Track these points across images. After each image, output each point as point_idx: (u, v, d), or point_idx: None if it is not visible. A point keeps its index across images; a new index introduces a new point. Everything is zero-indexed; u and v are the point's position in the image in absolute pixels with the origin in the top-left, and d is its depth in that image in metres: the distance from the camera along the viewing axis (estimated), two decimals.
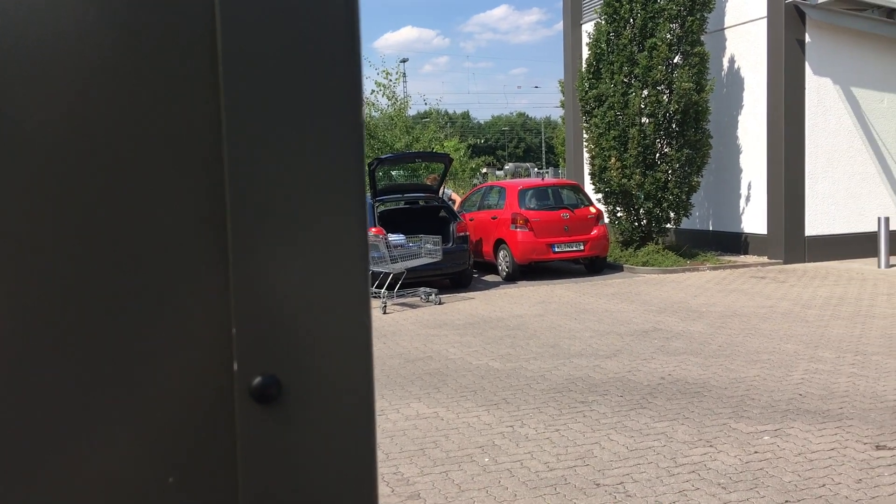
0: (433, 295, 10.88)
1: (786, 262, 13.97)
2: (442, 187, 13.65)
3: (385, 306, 10.45)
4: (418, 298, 11.03)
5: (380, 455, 4.92)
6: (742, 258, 14.51)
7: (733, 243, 15.15)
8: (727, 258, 14.48)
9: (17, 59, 0.90)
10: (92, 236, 0.94)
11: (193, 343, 0.98)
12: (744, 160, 15.01)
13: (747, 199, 14.97)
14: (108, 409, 0.95)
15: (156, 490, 0.97)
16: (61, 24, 0.92)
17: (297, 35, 0.98)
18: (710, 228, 15.80)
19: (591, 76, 14.87)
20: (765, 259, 14.26)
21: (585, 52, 15.74)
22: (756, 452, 4.75)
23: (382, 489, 4.39)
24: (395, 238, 11.29)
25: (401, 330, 9.12)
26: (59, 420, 0.93)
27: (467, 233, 12.10)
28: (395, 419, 5.66)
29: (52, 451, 0.93)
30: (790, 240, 14.04)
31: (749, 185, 14.91)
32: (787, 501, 4.04)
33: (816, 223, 14.27)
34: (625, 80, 14.23)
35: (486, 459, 4.79)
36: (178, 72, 0.95)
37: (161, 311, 0.97)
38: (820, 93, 14.17)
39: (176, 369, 0.97)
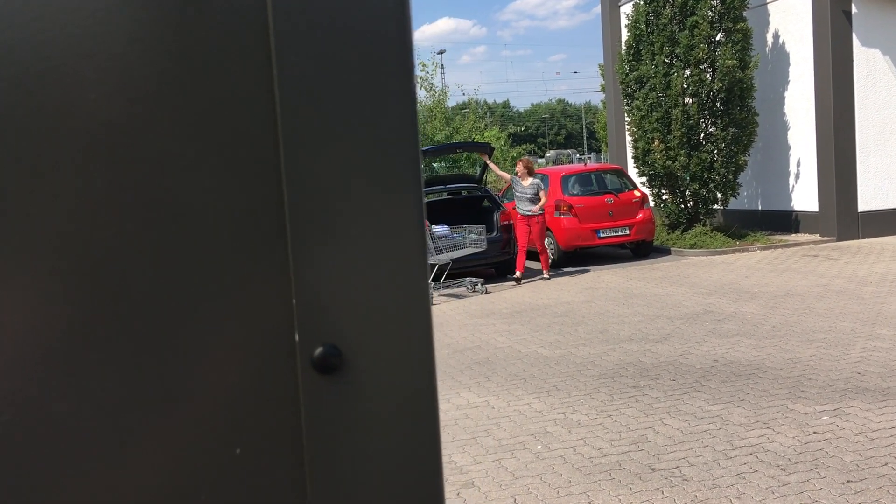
0: (479, 285, 10.87)
1: (839, 239, 13.65)
2: (484, 177, 13.55)
3: (432, 298, 10.47)
4: (464, 289, 11.03)
5: None
6: (793, 237, 14.21)
7: (784, 222, 14.85)
8: (778, 237, 14.20)
9: (82, 60, 0.93)
10: (164, 219, 0.98)
11: (256, 314, 0.99)
12: (792, 136, 14.68)
13: (797, 176, 14.65)
14: (174, 382, 0.97)
15: (223, 461, 0.99)
16: (119, 30, 0.94)
17: (351, 33, 1.00)
18: (759, 208, 15.51)
19: (630, 58, 14.68)
20: (817, 237, 13.95)
21: (625, 34, 15.54)
22: (815, 433, 4.66)
23: None
24: (438, 229, 11.30)
25: (448, 321, 9.13)
26: (129, 393, 0.95)
27: (511, 221, 12.05)
28: (446, 409, 5.67)
29: (122, 425, 0.95)
30: (842, 216, 13.71)
31: (798, 161, 14.58)
32: (848, 482, 3.96)
33: (869, 198, 13.91)
34: (666, 60, 14.01)
35: (539, 447, 4.77)
36: (234, 75, 0.98)
37: (223, 285, 0.98)
38: (868, 64, 13.78)
39: (239, 341, 0.99)
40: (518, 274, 11.38)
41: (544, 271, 11.76)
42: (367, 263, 1.00)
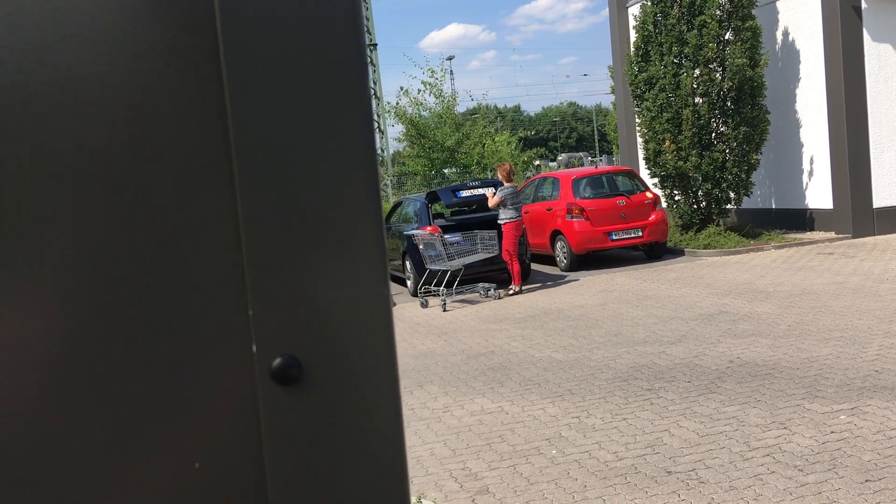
0: (492, 290, 10.84)
1: (854, 236, 13.54)
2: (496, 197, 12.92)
3: (444, 304, 10.46)
4: (477, 294, 11.01)
5: (446, 451, 4.93)
6: (808, 235, 14.10)
7: (798, 220, 14.74)
8: (792, 236, 14.10)
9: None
10: (117, 231, 0.97)
11: (212, 326, 0.98)
12: (804, 134, 14.59)
13: (810, 173, 14.55)
14: (130, 396, 0.96)
15: (183, 476, 0.98)
16: (66, 37, 0.93)
17: (303, 46, 0.99)
18: (773, 206, 15.40)
19: (639, 59, 14.64)
20: (832, 234, 13.84)
21: (633, 36, 15.50)
22: (832, 432, 4.61)
23: (451, 485, 4.39)
24: (450, 236, 11.27)
25: (461, 326, 9.12)
26: (85, 407, 0.95)
27: (523, 225, 12.01)
28: (459, 415, 5.66)
29: (79, 440, 0.95)
30: (858, 213, 13.59)
31: (811, 159, 14.48)
32: (867, 481, 3.91)
33: (884, 194, 13.78)
34: (675, 60, 13.96)
35: (554, 451, 4.75)
36: (184, 89, 0.97)
37: (178, 297, 0.97)
38: (880, 59, 13.68)
39: (196, 353, 0.98)
40: (515, 287, 11.03)
41: (514, 284, 11.10)
42: (326, 273, 0.99)
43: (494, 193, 11.21)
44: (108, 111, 0.95)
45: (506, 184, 11.20)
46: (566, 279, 12.01)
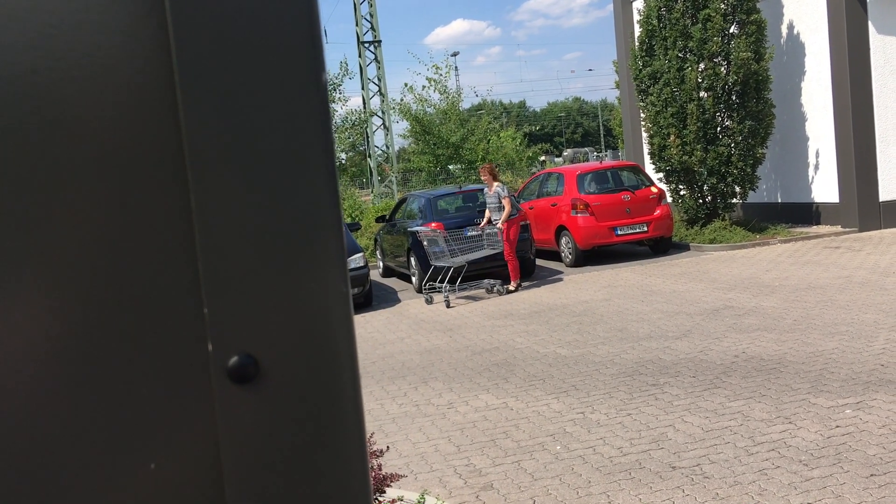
0: (497, 286, 10.81)
1: (860, 230, 13.49)
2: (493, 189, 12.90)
3: (448, 301, 10.45)
4: (483, 290, 10.99)
5: (451, 448, 4.92)
6: (814, 229, 14.06)
7: (804, 214, 14.69)
8: (798, 230, 14.05)
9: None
10: (65, 229, 0.96)
11: (166, 325, 0.97)
12: (810, 127, 14.53)
13: (816, 167, 14.50)
14: (81, 396, 0.95)
15: (138, 477, 0.97)
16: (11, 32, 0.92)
17: (257, 39, 0.98)
18: (779, 200, 15.35)
19: (643, 54, 14.60)
20: (838, 228, 13.79)
21: (637, 30, 15.45)
22: (838, 427, 4.60)
23: (455, 481, 4.39)
24: (454, 232, 11.23)
25: (466, 322, 9.12)
26: (34, 407, 0.94)
27: (528, 221, 12.00)
28: (464, 411, 5.66)
29: (25, 442, 0.94)
30: (864, 206, 13.54)
31: (817, 152, 14.43)
32: (872, 475, 3.90)
33: (891, 187, 13.72)
34: (679, 54, 13.92)
35: (558, 447, 4.75)
36: (136, 84, 0.96)
37: (130, 295, 0.96)
38: (886, 52, 13.61)
39: (150, 353, 0.97)
40: (513, 285, 10.95)
41: (513, 282, 11.02)
42: (283, 270, 0.98)
43: (489, 198, 10.96)
44: (55, 106, 0.94)
45: (495, 183, 10.94)
46: (571, 275, 11.99)
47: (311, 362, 1.00)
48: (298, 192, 0.99)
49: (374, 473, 3.43)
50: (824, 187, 14.32)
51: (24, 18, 0.93)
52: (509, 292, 10.86)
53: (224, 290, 0.97)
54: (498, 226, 10.74)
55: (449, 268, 10.75)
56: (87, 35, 0.94)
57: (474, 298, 10.75)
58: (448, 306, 10.30)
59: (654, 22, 14.30)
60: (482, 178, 11.21)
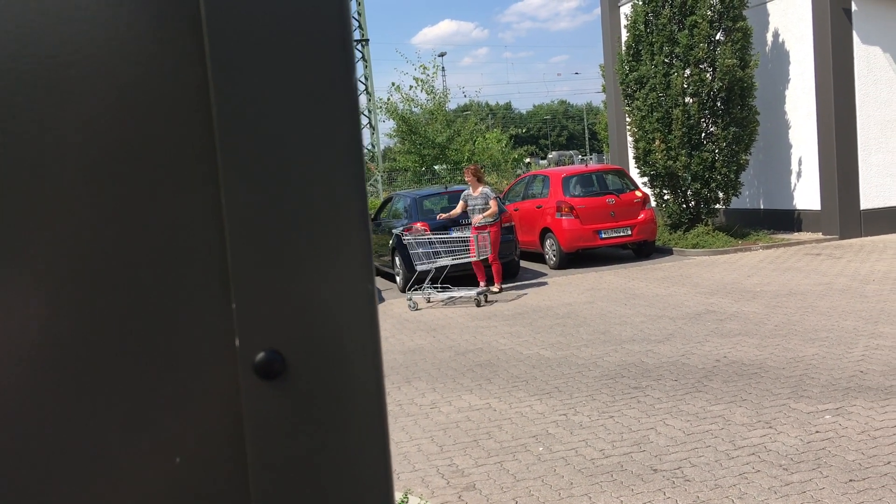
0: (484, 294, 10.40)
1: (841, 238, 13.62)
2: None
3: (429, 297, 10.49)
4: (464, 295, 10.90)
5: (434, 447, 4.93)
6: (796, 235, 14.18)
7: (786, 221, 14.82)
8: (780, 236, 14.17)
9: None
10: (99, 226, 0.97)
11: (195, 320, 0.98)
12: (793, 135, 14.66)
13: (798, 174, 14.63)
14: (111, 390, 0.96)
15: (164, 471, 0.97)
16: (47, 33, 0.92)
17: (289, 37, 0.99)
18: (762, 207, 15.48)
19: (630, 58, 14.68)
20: (819, 235, 13.92)
21: (624, 35, 15.53)
22: (817, 432, 4.64)
23: (437, 481, 4.40)
24: (439, 234, 11.18)
25: (450, 323, 9.12)
26: (65, 402, 0.94)
27: (513, 223, 12.02)
28: (447, 412, 5.66)
29: (56, 436, 0.94)
30: (845, 214, 13.67)
31: (800, 160, 14.56)
32: (851, 480, 3.94)
33: (872, 196, 13.87)
34: (665, 60, 14.00)
35: (541, 448, 4.76)
36: (170, 83, 0.96)
37: (160, 290, 0.97)
38: (869, 62, 13.75)
39: (178, 347, 0.97)
40: (496, 287, 10.86)
41: (496, 284, 10.93)
42: (311, 268, 0.99)
43: (467, 201, 10.80)
44: (93, 102, 0.94)
45: (480, 186, 10.73)
46: (555, 277, 12.03)
47: (336, 359, 1.01)
48: (327, 192, 1.00)
49: None
50: (806, 195, 14.45)
51: (60, 17, 0.93)
52: (493, 293, 10.81)
53: (252, 286, 0.97)
54: (474, 223, 10.56)
55: (432, 269, 10.73)
56: (122, 34, 0.95)
57: (458, 298, 10.74)
58: (428, 301, 10.35)
59: (642, 27, 14.37)
60: (466, 179, 11.13)
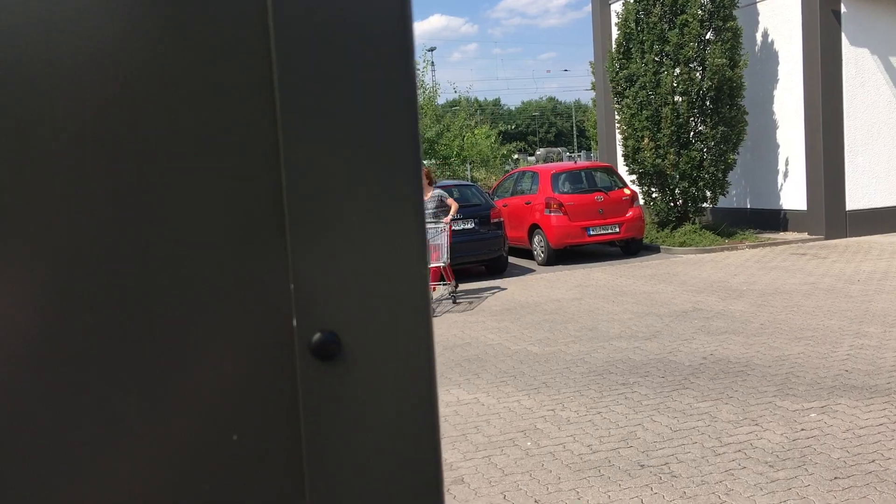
0: (451, 293, 10.09)
1: (827, 238, 13.73)
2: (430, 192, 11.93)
3: None
4: (442, 298, 10.57)
5: None
6: (782, 235, 14.28)
7: (772, 220, 14.92)
8: (766, 236, 14.26)
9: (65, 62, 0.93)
10: (163, 209, 0.99)
11: (254, 300, 0.99)
12: (781, 135, 14.75)
13: (785, 174, 14.72)
14: (172, 369, 0.97)
15: (221, 448, 0.99)
16: (117, 27, 0.94)
17: (352, 30, 1.01)
18: (748, 206, 15.57)
19: (620, 56, 14.71)
20: (805, 235, 14.02)
21: (615, 33, 15.56)
22: (803, 430, 4.68)
23: None
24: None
25: (437, 319, 9.13)
26: (128, 381, 0.96)
27: (501, 219, 12.03)
28: None
29: (121, 414, 0.96)
30: (831, 215, 13.78)
31: (787, 160, 14.65)
32: (836, 478, 3.98)
33: (857, 197, 13.99)
34: (655, 58, 14.05)
35: (529, 443, 4.78)
36: (234, 71, 0.99)
37: (221, 272, 0.98)
38: (858, 64, 13.85)
39: (237, 327, 0.99)
40: (453, 284, 10.22)
41: (450, 283, 10.21)
42: (366, 250, 1.01)
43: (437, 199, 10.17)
44: (154, 81, 0.96)
45: (431, 189, 10.11)
46: (543, 273, 12.06)
47: (391, 342, 1.02)
48: (385, 180, 1.01)
49: None
50: (793, 195, 14.54)
51: (131, 16, 0.95)
52: (453, 293, 10.27)
53: (310, 268, 0.99)
54: (444, 221, 9.97)
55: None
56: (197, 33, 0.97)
57: (445, 294, 10.73)
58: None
59: (632, 25, 14.41)
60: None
